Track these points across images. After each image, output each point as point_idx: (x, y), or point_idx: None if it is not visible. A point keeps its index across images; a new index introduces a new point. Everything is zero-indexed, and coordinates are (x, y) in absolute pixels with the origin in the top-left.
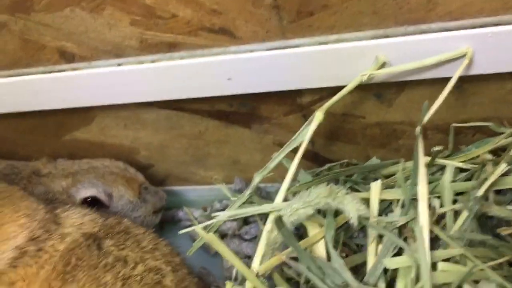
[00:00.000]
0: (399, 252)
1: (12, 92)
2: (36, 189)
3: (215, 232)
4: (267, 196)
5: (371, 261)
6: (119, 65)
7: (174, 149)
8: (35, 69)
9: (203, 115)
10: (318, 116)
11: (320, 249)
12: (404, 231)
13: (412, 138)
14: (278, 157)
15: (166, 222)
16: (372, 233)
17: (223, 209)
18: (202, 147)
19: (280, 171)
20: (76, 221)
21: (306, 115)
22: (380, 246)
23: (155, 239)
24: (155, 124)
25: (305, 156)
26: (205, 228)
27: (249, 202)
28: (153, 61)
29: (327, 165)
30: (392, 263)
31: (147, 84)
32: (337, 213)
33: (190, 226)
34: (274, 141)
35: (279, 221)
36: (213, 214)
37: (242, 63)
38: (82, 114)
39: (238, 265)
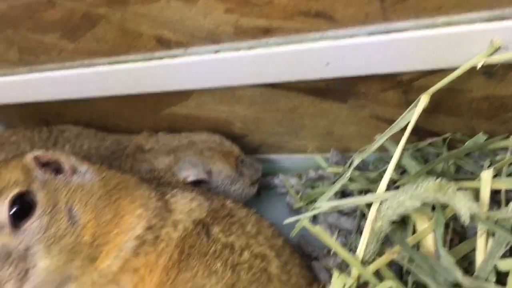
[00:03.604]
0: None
1: (114, 79)
2: (141, 167)
3: (312, 202)
4: (363, 166)
5: (480, 256)
6: (216, 52)
7: (268, 121)
8: (134, 56)
9: (298, 91)
10: (424, 100)
11: (428, 244)
12: None
13: None
14: (381, 140)
15: (262, 188)
16: (481, 227)
17: (318, 178)
18: (296, 119)
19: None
20: (185, 207)
21: (406, 91)
22: (490, 240)
23: (258, 221)
24: (250, 100)
25: (404, 128)
26: (302, 198)
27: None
28: (249, 48)
29: (429, 140)
30: (505, 264)
31: (243, 69)
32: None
33: (285, 193)
34: (371, 115)
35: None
36: (316, 204)
37: (341, 49)
38: (179, 92)
39: (346, 256)
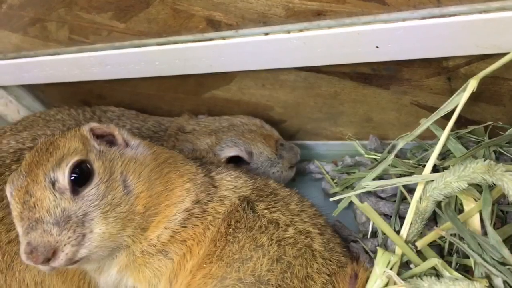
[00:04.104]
0: None
1: (162, 59)
2: (184, 146)
3: (348, 187)
4: (401, 154)
5: None
6: (266, 34)
7: (308, 106)
8: (184, 37)
9: (342, 77)
10: (472, 84)
11: (475, 223)
12: None
13: None
14: (427, 123)
15: (297, 174)
16: None
17: (354, 164)
18: (337, 105)
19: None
20: (231, 184)
21: (451, 78)
22: None
23: (300, 200)
24: (293, 84)
25: (446, 116)
26: (338, 183)
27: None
28: (300, 30)
29: (471, 127)
30: None
31: (293, 52)
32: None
33: (320, 178)
34: (412, 101)
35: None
36: (363, 183)
37: (393, 32)
38: (223, 75)
39: (391, 234)
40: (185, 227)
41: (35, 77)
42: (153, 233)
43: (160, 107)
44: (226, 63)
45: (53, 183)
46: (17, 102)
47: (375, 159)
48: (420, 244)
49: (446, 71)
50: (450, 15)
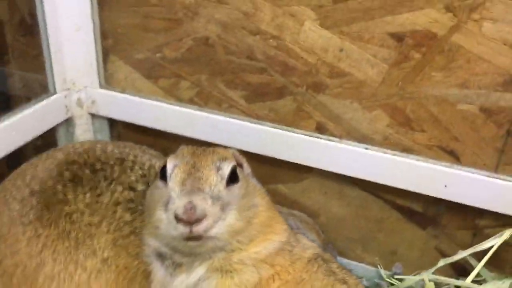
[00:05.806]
0: None
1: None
2: None
3: None
4: None
5: None
6: (366, 148)
7: (351, 225)
8: (295, 129)
9: (393, 206)
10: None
11: None
12: None
13: None
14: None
15: None
16: None
17: (369, 286)
18: (375, 231)
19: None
20: (308, 242)
21: (476, 234)
22: None
23: None
24: (351, 200)
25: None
26: None
27: None
28: (393, 155)
29: None
30: None
31: (380, 167)
32: None
33: None
34: (437, 247)
35: None
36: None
37: (462, 179)
38: (299, 173)
39: None
40: (277, 254)
41: (137, 118)
42: (254, 247)
43: None
44: (315, 159)
45: (218, 169)
46: (94, 133)
47: (393, 284)
48: None
49: (474, 227)
50: (507, 180)
